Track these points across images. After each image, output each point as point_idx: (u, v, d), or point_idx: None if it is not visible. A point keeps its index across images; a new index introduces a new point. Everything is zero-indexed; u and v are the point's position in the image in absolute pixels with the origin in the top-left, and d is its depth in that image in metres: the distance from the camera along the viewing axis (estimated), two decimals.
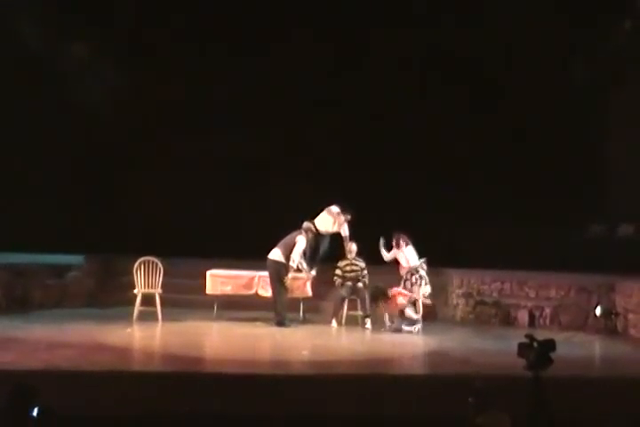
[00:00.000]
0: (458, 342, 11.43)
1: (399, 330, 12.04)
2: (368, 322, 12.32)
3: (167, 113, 14.88)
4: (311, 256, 12.86)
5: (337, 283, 12.59)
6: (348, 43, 14.75)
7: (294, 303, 12.61)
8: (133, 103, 14.67)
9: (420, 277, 12.37)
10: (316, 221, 12.90)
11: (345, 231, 12.88)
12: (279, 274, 12.24)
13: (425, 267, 12.50)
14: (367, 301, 12.38)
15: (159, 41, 14.64)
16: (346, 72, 14.89)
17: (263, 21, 14.70)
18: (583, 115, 14.68)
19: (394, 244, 12.63)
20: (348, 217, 12.89)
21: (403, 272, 12.50)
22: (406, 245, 12.55)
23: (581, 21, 14.31)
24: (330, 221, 12.91)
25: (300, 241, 12.33)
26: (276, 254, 12.29)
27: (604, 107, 14.90)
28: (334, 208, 12.93)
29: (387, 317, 12.25)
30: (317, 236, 12.85)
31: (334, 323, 12.39)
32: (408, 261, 12.48)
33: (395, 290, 12.15)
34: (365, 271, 12.63)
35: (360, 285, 12.52)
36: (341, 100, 14.84)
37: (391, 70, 14.79)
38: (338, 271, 12.63)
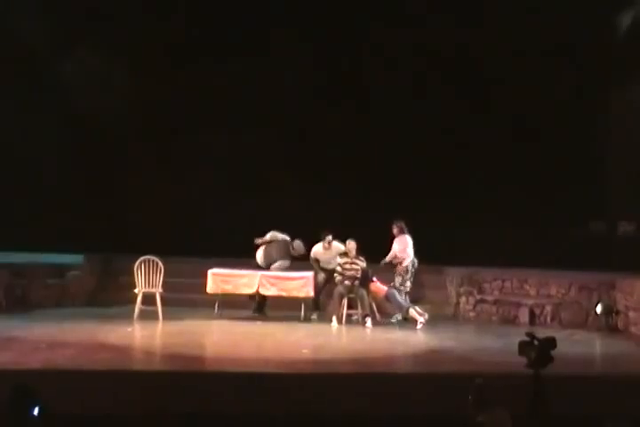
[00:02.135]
0: (458, 340, 11.43)
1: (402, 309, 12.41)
2: (368, 321, 12.32)
3: (167, 112, 14.87)
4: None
5: (337, 280, 12.61)
6: (348, 42, 14.74)
7: (296, 303, 12.63)
8: (134, 102, 14.65)
9: (407, 270, 12.65)
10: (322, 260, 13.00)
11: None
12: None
13: (416, 264, 12.62)
14: (366, 299, 12.42)
15: (159, 41, 14.61)
16: (344, 72, 14.87)
17: (262, 21, 14.69)
18: (583, 113, 14.64)
19: (396, 231, 12.76)
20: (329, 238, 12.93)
21: (398, 265, 12.68)
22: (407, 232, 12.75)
23: (581, 20, 14.32)
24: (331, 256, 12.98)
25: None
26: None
27: (604, 105, 14.84)
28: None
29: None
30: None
31: (335, 322, 12.40)
32: (405, 249, 12.61)
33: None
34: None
35: (358, 283, 12.53)
36: (341, 100, 14.82)
37: (390, 68, 14.76)
38: (338, 268, 12.65)
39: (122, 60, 14.70)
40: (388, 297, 12.60)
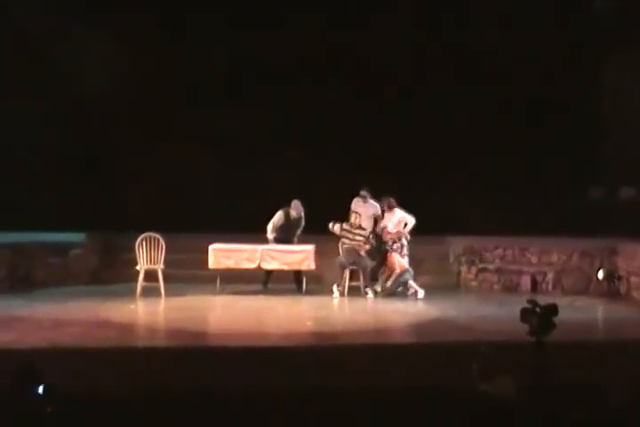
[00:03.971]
0: (461, 309, 11.44)
1: (394, 292, 12.31)
2: (370, 292, 12.33)
3: (166, 88, 14.79)
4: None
5: (340, 248, 12.55)
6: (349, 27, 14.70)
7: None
8: (132, 79, 14.55)
9: (402, 245, 12.50)
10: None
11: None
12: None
13: (408, 237, 12.55)
14: (368, 271, 12.42)
15: (156, 24, 14.53)
16: (344, 50, 14.80)
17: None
18: (581, 75, 14.55)
19: (386, 207, 12.71)
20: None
21: (387, 237, 12.56)
22: (397, 206, 12.68)
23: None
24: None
25: None
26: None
27: (603, 64, 14.73)
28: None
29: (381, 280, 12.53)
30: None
31: (336, 293, 12.41)
32: (400, 223, 12.55)
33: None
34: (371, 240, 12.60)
35: (362, 253, 12.50)
36: (341, 73, 14.76)
37: (390, 45, 14.67)
38: (345, 226, 12.54)
39: (116, 39, 14.55)
40: (399, 274, 12.45)
